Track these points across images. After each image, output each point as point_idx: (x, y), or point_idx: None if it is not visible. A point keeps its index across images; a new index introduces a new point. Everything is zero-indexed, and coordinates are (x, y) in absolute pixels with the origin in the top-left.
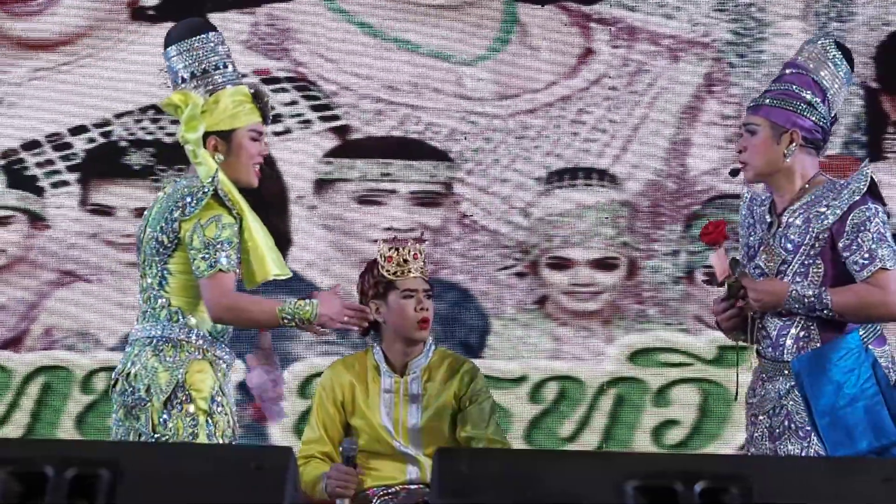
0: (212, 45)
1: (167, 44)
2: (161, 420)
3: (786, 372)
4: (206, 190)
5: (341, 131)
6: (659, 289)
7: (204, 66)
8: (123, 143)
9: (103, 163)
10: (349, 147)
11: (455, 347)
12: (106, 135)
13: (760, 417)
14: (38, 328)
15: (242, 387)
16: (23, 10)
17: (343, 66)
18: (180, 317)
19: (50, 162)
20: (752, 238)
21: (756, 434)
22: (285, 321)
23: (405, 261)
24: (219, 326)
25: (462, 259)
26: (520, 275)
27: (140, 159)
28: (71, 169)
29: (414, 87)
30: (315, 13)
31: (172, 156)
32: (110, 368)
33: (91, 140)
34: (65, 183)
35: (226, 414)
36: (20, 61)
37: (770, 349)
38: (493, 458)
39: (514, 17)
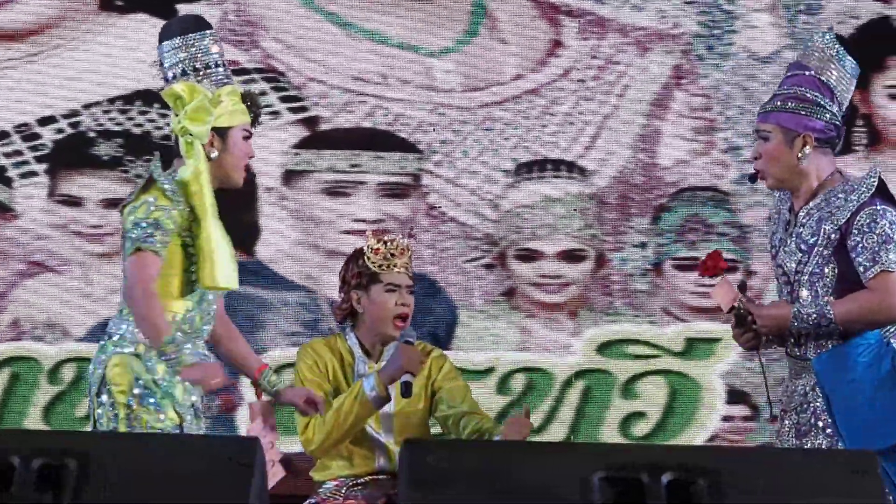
0: (206, 42)
1: (163, 38)
2: (93, 412)
3: (810, 369)
4: (154, 177)
5: (310, 122)
6: (627, 281)
7: (200, 63)
8: (92, 134)
9: (72, 153)
10: (318, 138)
11: (423, 338)
12: (74, 125)
13: (788, 413)
14: (6, 318)
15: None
16: None
17: (312, 57)
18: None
19: (18, 153)
20: (775, 236)
21: (783, 430)
22: (165, 350)
23: (392, 255)
24: (177, 321)
25: (430, 250)
26: (488, 266)
27: (109, 150)
28: (39, 160)
29: (383, 79)
30: (284, 4)
31: (140, 146)
32: (78, 359)
33: (59, 131)
34: (33, 174)
35: (155, 410)
36: None
37: (795, 347)
38: (460, 450)
39: (483, 9)
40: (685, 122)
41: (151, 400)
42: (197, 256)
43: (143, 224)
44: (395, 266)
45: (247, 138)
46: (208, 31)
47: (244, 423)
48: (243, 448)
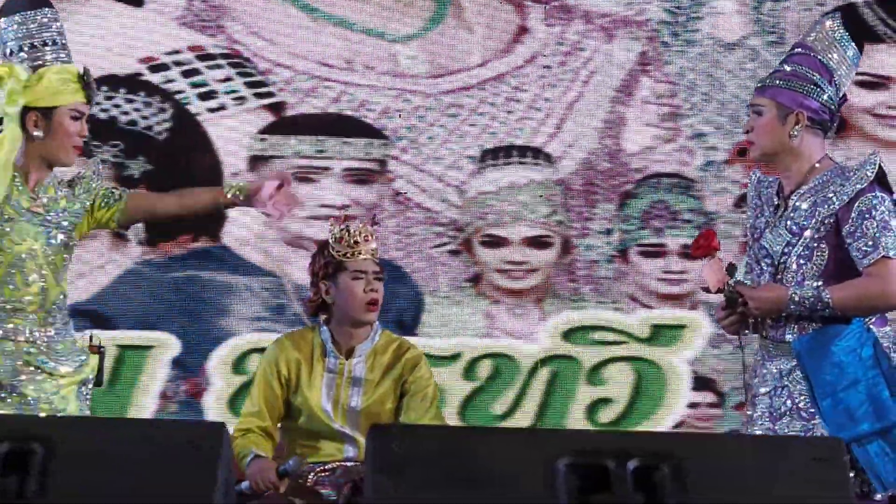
0: (45, 20)
1: (1, 14)
2: None
3: (787, 352)
4: None
5: (276, 108)
6: (592, 267)
7: (34, 41)
8: None
9: None
10: (284, 124)
11: (389, 325)
12: None
13: (761, 398)
14: None
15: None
16: None
17: (278, 42)
18: None
19: None
20: (759, 220)
21: (755, 414)
22: None
23: (356, 242)
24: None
25: (396, 236)
26: (454, 252)
27: None
28: None
29: (348, 65)
30: None
31: (107, 131)
32: None
33: None
34: None
35: None
36: None
37: (772, 329)
38: (425, 436)
39: None
40: (651, 109)
41: None
42: None
43: None
44: (359, 253)
45: (76, 118)
46: (47, 10)
47: (211, 409)
48: (209, 433)
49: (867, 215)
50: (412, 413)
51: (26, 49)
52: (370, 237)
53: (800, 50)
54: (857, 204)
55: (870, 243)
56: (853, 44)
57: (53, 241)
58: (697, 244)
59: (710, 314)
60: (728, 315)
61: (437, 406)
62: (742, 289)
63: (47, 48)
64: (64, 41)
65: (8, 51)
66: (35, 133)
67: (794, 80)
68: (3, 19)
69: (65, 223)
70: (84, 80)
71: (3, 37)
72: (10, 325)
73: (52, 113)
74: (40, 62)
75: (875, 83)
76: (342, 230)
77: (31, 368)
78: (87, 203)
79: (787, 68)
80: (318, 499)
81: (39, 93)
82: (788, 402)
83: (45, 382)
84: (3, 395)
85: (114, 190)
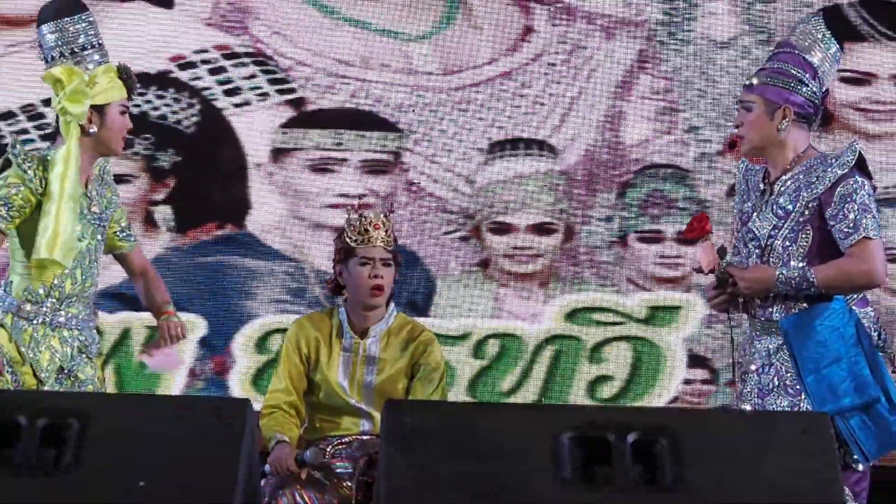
0: (82, 25)
1: (40, 21)
2: None
3: (774, 330)
4: (10, 157)
5: (297, 103)
6: (594, 252)
7: (74, 45)
8: None
9: None
10: (304, 118)
11: (403, 306)
12: None
13: (750, 375)
14: None
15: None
16: None
17: (299, 42)
18: (6, 281)
19: (25, 131)
20: (746, 205)
21: (745, 391)
22: (39, 312)
23: (365, 230)
24: (32, 288)
25: (410, 223)
26: (464, 238)
27: None
28: (44, 138)
29: (365, 63)
30: None
31: (138, 126)
32: None
33: None
34: (38, 150)
35: (12, 380)
36: None
37: (760, 310)
38: (437, 410)
39: None
40: (648, 104)
41: (9, 369)
42: (42, 218)
43: None
44: (368, 240)
45: (123, 112)
46: (84, 13)
47: (236, 386)
48: (235, 408)
49: (848, 199)
50: (418, 395)
51: (67, 54)
52: (380, 225)
53: (785, 48)
54: (838, 188)
55: (851, 225)
56: (835, 42)
57: (100, 239)
58: (691, 227)
59: (704, 296)
60: (718, 294)
61: (444, 389)
62: (732, 270)
63: (86, 52)
64: (101, 41)
65: (49, 56)
66: (91, 129)
67: (781, 77)
68: (42, 26)
69: (106, 224)
70: (124, 76)
71: (45, 43)
72: (71, 314)
73: (105, 109)
74: (91, 64)
75: (859, 79)
76: (356, 218)
77: (82, 354)
78: (110, 218)
79: (774, 66)
80: (332, 473)
81: (95, 91)
82: (776, 378)
83: (87, 366)
84: (61, 378)
85: (131, 231)
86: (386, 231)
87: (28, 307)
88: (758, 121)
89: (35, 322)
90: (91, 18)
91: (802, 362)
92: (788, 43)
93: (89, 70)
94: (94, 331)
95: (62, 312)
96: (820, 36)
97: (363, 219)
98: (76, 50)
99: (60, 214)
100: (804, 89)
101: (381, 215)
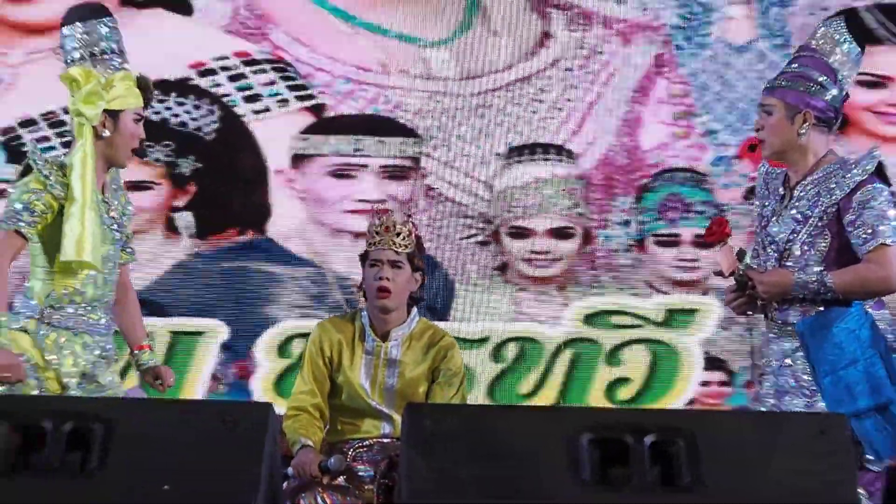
0: (106, 29)
1: (64, 23)
2: None
3: (791, 333)
4: (30, 163)
5: (316, 109)
6: (611, 256)
7: (95, 49)
8: None
9: None
10: (324, 124)
11: (422, 311)
12: None
13: (767, 376)
14: None
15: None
16: None
17: (318, 48)
18: (28, 286)
19: (46, 138)
20: (766, 209)
21: (762, 392)
22: (61, 317)
23: (377, 233)
24: (56, 294)
25: (429, 228)
26: (482, 243)
27: None
28: (65, 145)
29: (383, 69)
30: (292, 0)
31: (158, 132)
32: None
33: None
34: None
35: (36, 385)
36: (17, 45)
37: (777, 312)
38: (457, 414)
39: (477, 3)
40: (665, 108)
41: (33, 374)
42: (63, 231)
43: (13, 205)
44: (378, 243)
45: (138, 121)
46: (107, 18)
47: (257, 390)
48: (257, 412)
49: (867, 205)
50: (438, 399)
51: (88, 57)
52: (391, 228)
53: (805, 52)
54: (857, 194)
55: (869, 231)
56: (855, 45)
57: (119, 244)
58: (711, 230)
59: (721, 299)
60: (737, 297)
61: (464, 393)
62: (751, 273)
63: (107, 56)
64: (122, 48)
65: (70, 58)
66: (103, 133)
67: (801, 81)
68: (65, 28)
69: (124, 230)
70: (142, 85)
71: (66, 45)
72: (92, 319)
73: (119, 115)
74: (110, 69)
75: (875, 82)
76: (371, 223)
77: (103, 359)
78: (128, 224)
79: (795, 69)
80: (353, 476)
81: (110, 97)
82: (792, 380)
83: (108, 370)
84: (84, 383)
85: (132, 245)
86: (399, 234)
87: (51, 313)
88: (778, 124)
89: (59, 328)
90: (114, 24)
91: (819, 364)
92: (809, 46)
93: (108, 74)
94: (112, 336)
95: (84, 318)
96: (841, 39)
97: (376, 223)
98: (96, 53)
99: (85, 215)
100: (825, 93)
101: (396, 218)
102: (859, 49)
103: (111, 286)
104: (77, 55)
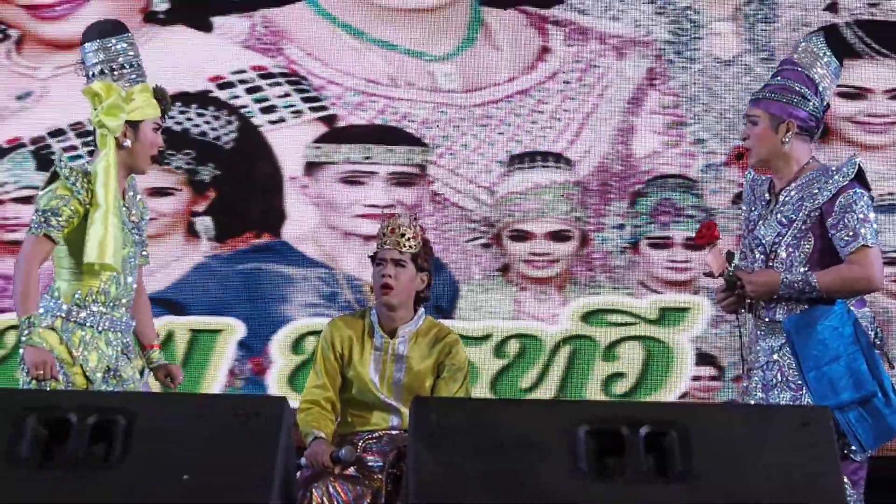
0: (123, 45)
1: (84, 40)
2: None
3: (778, 330)
4: (57, 170)
5: (328, 120)
6: (607, 257)
7: (114, 64)
8: None
9: None
10: (335, 134)
11: (428, 310)
12: None
13: (755, 371)
14: None
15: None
16: (50, 14)
17: (330, 63)
18: (53, 285)
19: (73, 147)
20: (752, 213)
21: (750, 386)
22: (21, 327)
23: (384, 234)
24: (81, 294)
25: (435, 232)
26: (485, 245)
27: None
28: (91, 154)
29: (392, 81)
30: (306, 16)
31: (180, 142)
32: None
33: None
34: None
35: (64, 380)
36: (47, 60)
37: (765, 311)
38: (462, 407)
39: (480, 20)
40: (657, 118)
41: (61, 370)
42: (86, 234)
43: (42, 211)
44: (385, 244)
45: (156, 130)
46: (125, 35)
47: (273, 385)
48: (272, 406)
49: (848, 209)
50: (443, 392)
51: (108, 71)
52: (396, 230)
53: (788, 65)
54: (839, 199)
55: (851, 234)
56: (834, 58)
57: (138, 246)
58: (700, 233)
59: (711, 298)
60: (727, 297)
61: (467, 387)
62: (740, 273)
63: (125, 70)
64: (140, 62)
65: (91, 73)
66: (125, 143)
67: (784, 93)
68: (85, 44)
69: (143, 232)
70: (159, 97)
71: (87, 60)
72: (115, 317)
73: (139, 125)
74: (128, 82)
75: (854, 94)
76: (380, 226)
77: (124, 355)
78: (145, 227)
79: (778, 82)
80: (363, 467)
81: (131, 107)
82: (779, 375)
83: (129, 366)
84: (108, 378)
85: (146, 249)
86: (403, 236)
87: (77, 311)
88: (763, 134)
89: (84, 325)
90: (131, 40)
91: (804, 360)
92: (791, 60)
93: (127, 87)
94: (133, 333)
95: (108, 316)
96: (821, 53)
97: (384, 226)
98: (115, 68)
99: (108, 221)
100: (807, 104)
101: (402, 221)
102: (838, 63)
103: (131, 286)
104: (97, 70)
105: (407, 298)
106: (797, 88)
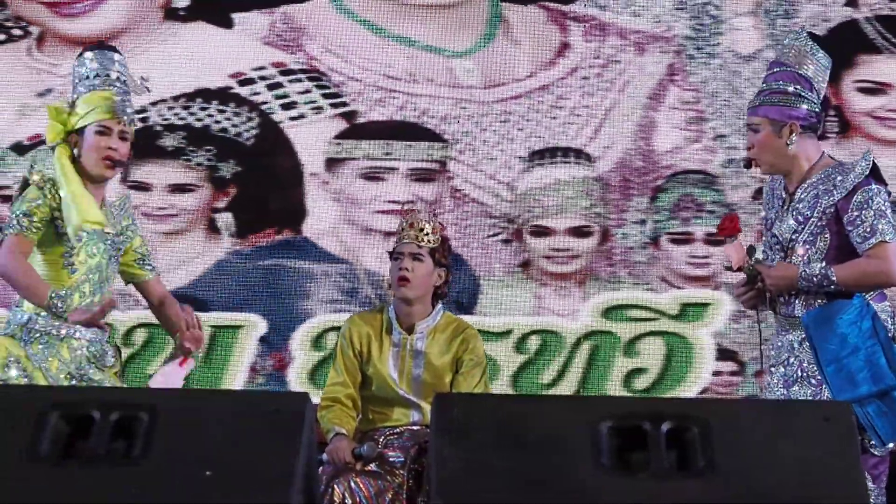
0: (86, 61)
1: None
2: None
3: (797, 326)
4: (27, 176)
5: (349, 116)
6: (628, 253)
7: (76, 82)
8: (158, 128)
9: (141, 145)
10: (356, 130)
11: (449, 306)
12: (143, 120)
13: (776, 367)
14: None
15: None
16: (71, 11)
17: (350, 59)
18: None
19: None
20: (770, 212)
21: (772, 382)
22: (54, 309)
23: (402, 229)
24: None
25: (455, 228)
26: (506, 241)
27: (173, 141)
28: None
29: (411, 77)
30: (325, 13)
31: (201, 138)
32: (147, 325)
33: None
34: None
35: (25, 375)
36: (68, 57)
37: (784, 307)
38: (483, 403)
39: (499, 16)
40: (678, 114)
41: (19, 373)
42: (63, 209)
43: (16, 215)
44: (404, 238)
45: (102, 132)
46: (95, 52)
47: (294, 381)
48: (294, 402)
49: (865, 205)
50: (462, 388)
51: (83, 88)
52: (414, 224)
53: (777, 67)
54: (856, 196)
55: (868, 229)
56: (822, 51)
57: (113, 260)
58: (723, 226)
59: (732, 293)
60: (747, 291)
61: (486, 382)
62: (760, 267)
63: (83, 82)
64: (109, 73)
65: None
66: (75, 151)
67: (780, 96)
68: (75, 62)
69: (121, 247)
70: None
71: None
72: (78, 326)
73: (83, 133)
74: (76, 95)
75: (875, 89)
76: (400, 222)
77: (92, 364)
78: (126, 244)
79: (771, 86)
80: (385, 462)
81: (74, 118)
82: (799, 370)
83: (98, 374)
84: (74, 381)
85: (150, 261)
86: (422, 230)
87: (39, 319)
88: (767, 140)
89: (44, 333)
90: (102, 56)
91: (822, 354)
92: (780, 62)
93: (78, 98)
94: (107, 345)
95: (68, 324)
96: (808, 49)
97: (403, 221)
98: (76, 84)
99: (74, 190)
100: (804, 102)
101: (421, 216)
102: (825, 52)
103: (100, 298)
104: (82, 87)
105: (424, 293)
106: (791, 89)
